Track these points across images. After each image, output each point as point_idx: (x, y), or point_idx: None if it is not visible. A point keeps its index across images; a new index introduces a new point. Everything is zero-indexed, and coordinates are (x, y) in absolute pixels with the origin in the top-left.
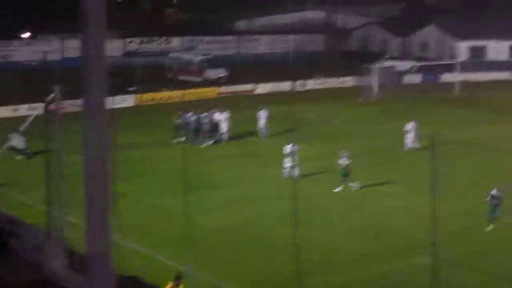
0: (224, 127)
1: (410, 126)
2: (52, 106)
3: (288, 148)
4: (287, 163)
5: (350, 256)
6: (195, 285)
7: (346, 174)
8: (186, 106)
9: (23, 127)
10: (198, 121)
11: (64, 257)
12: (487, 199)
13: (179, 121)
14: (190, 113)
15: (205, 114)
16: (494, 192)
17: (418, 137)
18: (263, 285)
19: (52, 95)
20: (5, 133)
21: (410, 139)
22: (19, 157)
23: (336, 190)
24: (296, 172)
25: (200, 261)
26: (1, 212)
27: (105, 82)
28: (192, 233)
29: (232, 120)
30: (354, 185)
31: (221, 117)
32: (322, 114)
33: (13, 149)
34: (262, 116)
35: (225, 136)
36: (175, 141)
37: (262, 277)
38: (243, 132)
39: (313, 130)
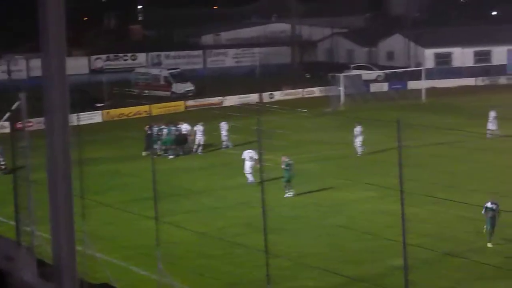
0: (196, 138)
1: (358, 130)
2: (19, 124)
3: (246, 153)
4: (248, 169)
5: (322, 261)
6: None
7: (288, 179)
8: (154, 120)
9: None
10: (168, 133)
11: (34, 267)
12: (482, 212)
13: (149, 133)
14: (159, 126)
15: (174, 126)
16: (488, 204)
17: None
18: None
19: (16, 103)
20: None
21: (358, 144)
22: None
23: (287, 196)
24: (251, 178)
25: (171, 270)
26: None
27: (66, 100)
28: (163, 243)
29: (202, 132)
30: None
31: (191, 129)
32: (289, 124)
33: None
34: (224, 128)
35: (198, 148)
36: (144, 153)
37: (234, 284)
38: (211, 143)
39: (280, 139)
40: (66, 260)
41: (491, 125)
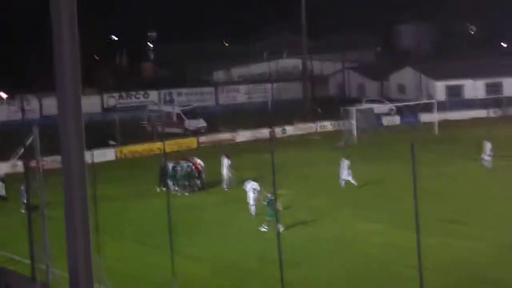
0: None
1: (344, 163)
2: (32, 163)
3: (249, 186)
4: (251, 201)
5: None
6: None
7: (271, 215)
8: (168, 156)
9: (1, 174)
10: (181, 169)
11: None
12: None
13: (163, 169)
14: (174, 162)
15: (186, 162)
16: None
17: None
18: None
19: (30, 138)
20: None
21: (343, 175)
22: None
23: (262, 229)
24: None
25: None
26: None
27: (82, 138)
28: (178, 278)
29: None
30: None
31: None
32: (302, 158)
33: None
34: (225, 163)
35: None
36: (158, 189)
37: None
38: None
39: (290, 173)
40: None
41: (487, 157)
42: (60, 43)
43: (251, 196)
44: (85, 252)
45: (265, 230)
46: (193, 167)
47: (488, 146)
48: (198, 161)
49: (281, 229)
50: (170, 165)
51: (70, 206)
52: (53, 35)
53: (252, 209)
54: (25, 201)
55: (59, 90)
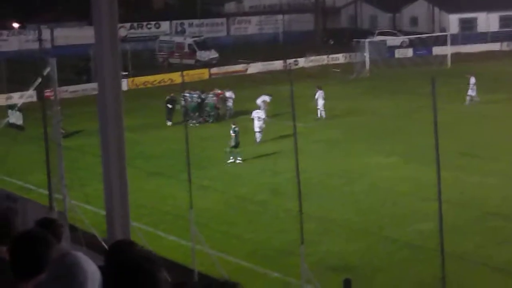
0: (228, 105)
1: (317, 94)
2: (45, 94)
3: (254, 113)
4: (256, 128)
5: (347, 226)
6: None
7: (235, 145)
8: (178, 87)
9: (20, 104)
10: (198, 100)
11: (67, 232)
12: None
13: (171, 102)
14: (190, 92)
15: (209, 93)
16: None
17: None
18: (261, 258)
19: (47, 69)
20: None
21: (320, 107)
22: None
23: (228, 162)
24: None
25: (201, 234)
26: None
27: (119, 67)
28: (185, 210)
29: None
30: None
31: (227, 95)
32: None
33: (12, 126)
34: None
35: (228, 113)
36: (169, 123)
37: (259, 249)
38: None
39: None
40: (118, 209)
41: (471, 92)
42: None
43: (256, 124)
44: (121, 175)
45: (239, 161)
46: (207, 97)
47: (472, 80)
48: (218, 91)
49: (238, 161)
50: (188, 95)
51: (106, 132)
52: None
53: (257, 136)
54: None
55: (95, 18)
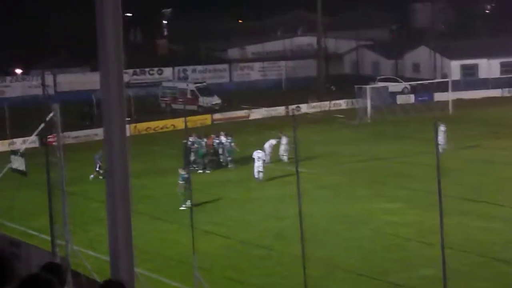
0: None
1: (283, 140)
2: (48, 139)
3: (255, 154)
4: (257, 167)
5: (351, 272)
6: None
7: (184, 193)
8: (182, 133)
9: (22, 150)
10: (201, 146)
11: (69, 277)
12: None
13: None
14: (195, 138)
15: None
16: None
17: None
18: None
19: (50, 114)
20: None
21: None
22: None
23: (182, 208)
24: (257, 176)
25: (206, 280)
26: (1, 234)
27: (124, 113)
28: (190, 256)
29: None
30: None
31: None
32: (315, 137)
33: (14, 171)
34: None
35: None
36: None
37: None
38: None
39: (305, 151)
40: (125, 278)
41: (441, 139)
42: (103, 18)
43: (255, 165)
44: (127, 233)
45: (184, 208)
46: (210, 143)
47: (441, 129)
48: (223, 137)
49: (183, 207)
50: (192, 142)
51: (112, 177)
52: (96, 11)
53: (256, 175)
54: (98, 168)
55: (101, 64)
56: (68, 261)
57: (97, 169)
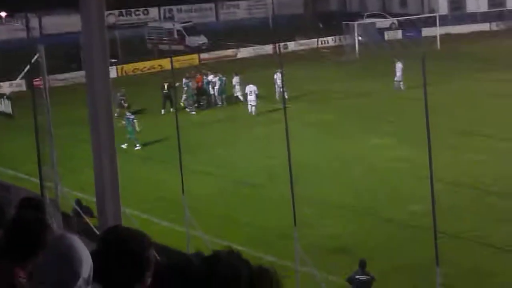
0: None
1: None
2: (34, 82)
3: (247, 88)
4: (251, 101)
5: (342, 208)
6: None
7: (131, 132)
8: (168, 74)
9: (9, 93)
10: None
11: (59, 219)
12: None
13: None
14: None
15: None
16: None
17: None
18: (258, 242)
19: (35, 56)
20: None
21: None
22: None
23: (123, 146)
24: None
25: (197, 219)
26: None
27: (107, 53)
28: (180, 195)
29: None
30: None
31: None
32: (303, 74)
33: (1, 114)
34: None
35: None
36: (163, 111)
37: (255, 234)
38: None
39: (295, 90)
40: (109, 195)
41: (399, 76)
42: None
43: (249, 98)
44: (112, 165)
45: (124, 147)
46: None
47: (398, 66)
48: (211, 76)
49: (137, 147)
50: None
51: (95, 120)
52: None
53: (250, 109)
54: (124, 104)
55: (82, 4)
56: (57, 202)
57: (125, 104)
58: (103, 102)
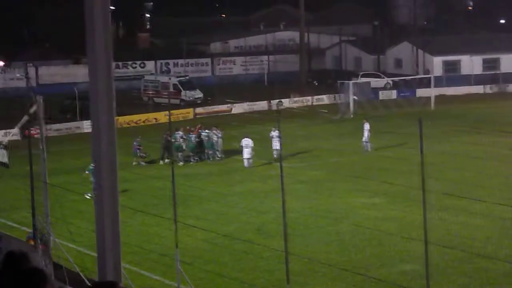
0: (216, 145)
1: (366, 127)
2: (28, 131)
3: (243, 141)
4: (245, 155)
5: (331, 266)
6: None
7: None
8: (164, 127)
9: (5, 141)
10: (186, 139)
11: (51, 269)
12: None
13: (168, 140)
14: (179, 132)
15: (193, 133)
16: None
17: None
18: None
19: (34, 107)
20: None
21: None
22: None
23: (87, 196)
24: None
25: (188, 273)
26: None
27: (113, 104)
28: (172, 249)
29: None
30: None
31: (213, 136)
32: (298, 131)
33: None
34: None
35: (217, 153)
36: (161, 162)
37: None
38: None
39: (289, 146)
40: (110, 248)
41: (366, 137)
42: (92, 8)
43: (245, 151)
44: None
45: (89, 197)
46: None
47: (366, 127)
48: (206, 131)
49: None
50: (179, 136)
51: (100, 170)
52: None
53: (245, 162)
54: (141, 154)
55: (90, 55)
56: (49, 253)
57: (141, 154)
58: (108, 153)
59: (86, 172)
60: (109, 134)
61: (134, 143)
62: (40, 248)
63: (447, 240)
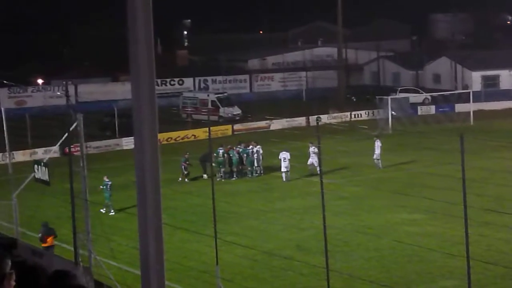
0: (257, 161)
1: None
2: (68, 149)
3: (281, 155)
4: (283, 168)
5: (372, 283)
6: None
7: (107, 197)
8: (204, 144)
9: (46, 159)
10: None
11: (92, 286)
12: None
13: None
14: (221, 148)
15: (237, 147)
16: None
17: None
18: None
19: (74, 124)
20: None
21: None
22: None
23: (102, 211)
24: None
25: None
26: (24, 244)
27: (156, 122)
28: (212, 265)
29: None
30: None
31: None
32: (337, 147)
33: (38, 181)
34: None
35: (257, 169)
36: (205, 176)
37: None
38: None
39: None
40: (154, 266)
41: (377, 154)
42: (135, 27)
43: (282, 165)
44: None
45: (102, 211)
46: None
47: (377, 144)
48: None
49: (111, 212)
50: (221, 151)
51: (143, 187)
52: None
53: (283, 176)
54: (184, 171)
55: (133, 72)
56: (90, 271)
57: (185, 171)
58: (151, 171)
59: (101, 187)
60: (152, 150)
61: (182, 159)
62: (81, 265)
63: (488, 256)
